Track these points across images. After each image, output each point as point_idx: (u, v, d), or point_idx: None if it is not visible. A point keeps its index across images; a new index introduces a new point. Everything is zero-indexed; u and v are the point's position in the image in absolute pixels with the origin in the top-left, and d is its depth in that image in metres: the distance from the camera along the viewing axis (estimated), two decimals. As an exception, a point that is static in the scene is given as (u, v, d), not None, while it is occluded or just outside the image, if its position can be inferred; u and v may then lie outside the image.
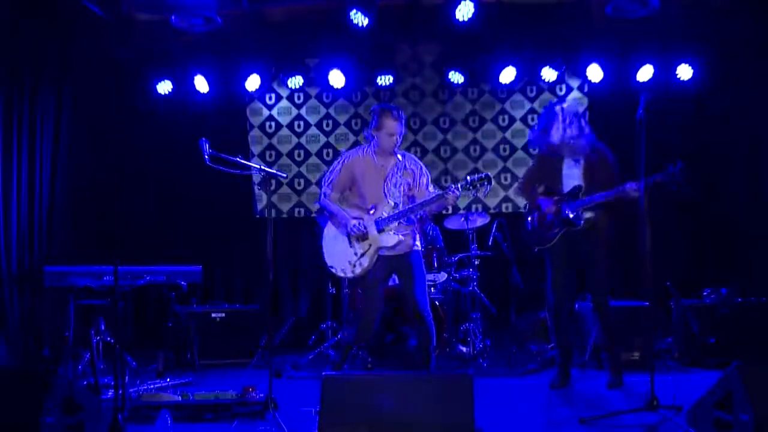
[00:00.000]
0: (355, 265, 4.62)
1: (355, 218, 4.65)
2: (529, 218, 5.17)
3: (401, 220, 4.65)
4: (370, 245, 4.60)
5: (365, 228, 4.59)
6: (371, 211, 4.66)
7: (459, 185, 4.48)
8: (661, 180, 4.39)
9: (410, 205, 4.66)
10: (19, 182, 6.12)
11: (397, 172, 4.72)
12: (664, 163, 4.44)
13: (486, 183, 4.46)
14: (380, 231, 4.58)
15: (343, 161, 4.75)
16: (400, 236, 4.63)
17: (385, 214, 4.61)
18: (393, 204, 4.65)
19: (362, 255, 4.61)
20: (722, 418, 3.48)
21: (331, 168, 4.84)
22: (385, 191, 4.68)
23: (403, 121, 4.69)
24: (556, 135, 4.91)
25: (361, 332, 4.87)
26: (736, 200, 6.93)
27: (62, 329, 5.27)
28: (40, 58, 6.26)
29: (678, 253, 7.09)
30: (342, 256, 4.68)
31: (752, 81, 6.71)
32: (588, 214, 4.87)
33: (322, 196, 4.79)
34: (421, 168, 4.85)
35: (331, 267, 4.75)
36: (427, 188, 4.78)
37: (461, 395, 3.37)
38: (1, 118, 5.90)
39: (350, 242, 4.64)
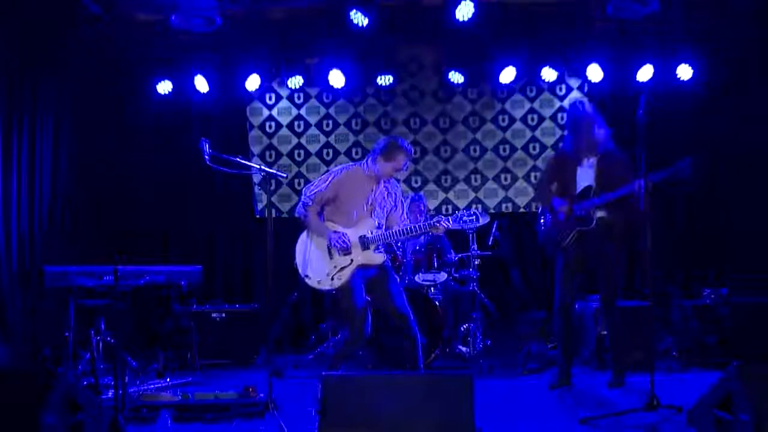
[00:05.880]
0: (333, 278, 4.49)
1: (336, 232, 4.53)
2: (542, 220, 5.15)
3: (385, 241, 4.59)
4: (352, 260, 4.49)
5: (349, 242, 4.50)
6: (352, 228, 4.54)
7: (450, 218, 4.48)
8: (669, 176, 4.36)
9: (400, 228, 4.55)
10: (19, 182, 6.11)
11: (382, 195, 4.66)
12: (662, 163, 4.44)
13: (475, 222, 4.50)
14: (365, 248, 4.49)
15: (333, 177, 4.60)
16: (384, 254, 4.58)
17: (369, 233, 4.51)
18: (377, 224, 4.57)
19: (342, 269, 4.49)
20: (722, 418, 3.49)
21: (317, 181, 4.69)
22: (371, 211, 4.59)
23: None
24: (584, 135, 4.88)
25: (354, 344, 4.63)
26: (737, 200, 6.93)
27: (62, 329, 5.26)
28: (39, 57, 6.25)
29: (678, 253, 7.09)
30: (320, 267, 4.54)
31: (752, 81, 6.71)
32: (600, 214, 4.84)
33: (302, 207, 4.65)
34: (400, 196, 4.80)
35: (306, 276, 4.59)
36: (401, 217, 4.73)
37: (461, 395, 3.37)
38: (0, 118, 5.90)
39: (330, 254, 4.53)
